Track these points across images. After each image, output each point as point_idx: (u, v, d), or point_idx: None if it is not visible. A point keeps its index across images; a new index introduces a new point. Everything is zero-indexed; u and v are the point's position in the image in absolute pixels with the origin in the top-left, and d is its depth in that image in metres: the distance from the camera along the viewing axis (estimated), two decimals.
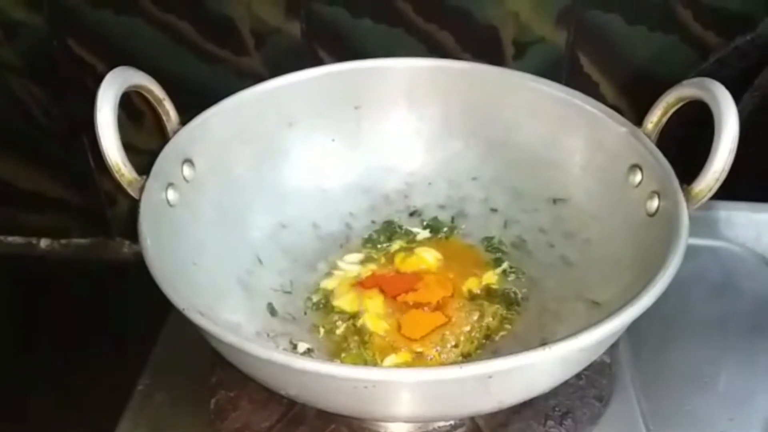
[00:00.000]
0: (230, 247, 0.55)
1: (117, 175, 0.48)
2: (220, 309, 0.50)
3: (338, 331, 0.53)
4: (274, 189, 0.59)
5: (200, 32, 0.66)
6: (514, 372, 0.39)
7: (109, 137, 0.47)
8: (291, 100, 0.58)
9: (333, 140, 0.61)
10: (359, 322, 0.53)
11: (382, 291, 0.54)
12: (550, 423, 0.49)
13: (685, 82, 0.49)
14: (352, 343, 0.52)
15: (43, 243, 0.80)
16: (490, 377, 0.38)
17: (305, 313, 0.55)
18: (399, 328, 0.53)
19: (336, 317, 0.54)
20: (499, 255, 0.58)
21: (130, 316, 0.69)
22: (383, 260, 0.58)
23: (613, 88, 0.67)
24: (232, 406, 0.51)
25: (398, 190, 0.62)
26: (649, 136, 0.51)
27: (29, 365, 0.67)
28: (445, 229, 0.61)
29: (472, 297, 0.55)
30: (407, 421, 0.49)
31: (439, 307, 0.54)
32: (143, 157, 0.51)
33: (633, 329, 0.46)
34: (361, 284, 0.55)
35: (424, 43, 0.65)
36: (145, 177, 0.49)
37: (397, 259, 0.58)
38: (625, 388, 0.53)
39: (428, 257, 0.57)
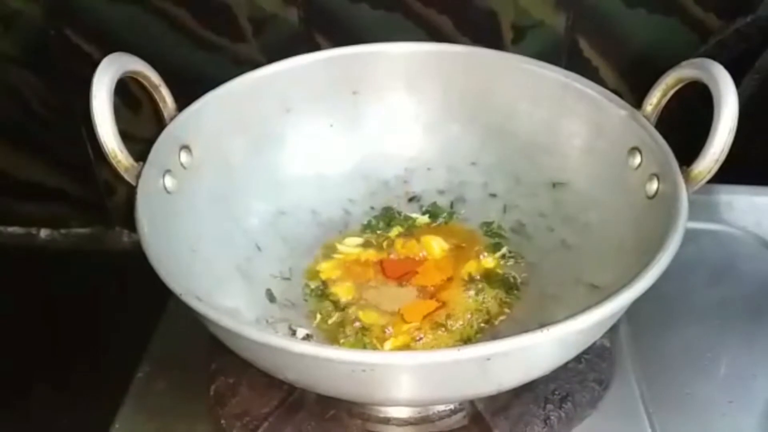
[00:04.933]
0: (228, 234, 0.55)
1: (113, 162, 0.48)
2: (218, 295, 0.49)
3: (336, 317, 0.53)
4: (272, 175, 0.59)
5: (197, 19, 0.66)
6: (513, 354, 0.39)
7: (105, 123, 0.47)
8: (288, 86, 0.58)
9: (331, 126, 0.61)
10: (352, 310, 0.53)
11: (383, 273, 0.55)
12: (549, 407, 0.49)
13: (684, 63, 0.49)
14: (351, 328, 0.52)
15: (43, 233, 0.80)
16: (488, 359, 0.38)
17: (305, 300, 0.55)
18: (398, 313, 0.53)
19: (334, 304, 0.54)
20: (498, 240, 0.58)
21: (129, 306, 0.69)
22: (383, 246, 0.58)
23: (613, 71, 0.66)
24: (231, 393, 0.51)
25: (397, 176, 0.62)
26: (648, 119, 0.51)
27: (29, 355, 0.67)
28: (445, 214, 0.60)
29: (472, 281, 0.55)
30: (407, 405, 0.49)
31: (438, 291, 0.54)
32: (141, 146, 0.50)
33: (633, 313, 0.45)
34: (362, 266, 0.56)
35: (423, 28, 0.65)
36: (141, 164, 0.49)
37: (398, 244, 0.58)
38: (625, 372, 0.53)
39: (434, 246, 0.57)
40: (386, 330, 0.52)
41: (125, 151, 0.48)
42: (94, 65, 0.48)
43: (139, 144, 0.51)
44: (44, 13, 0.66)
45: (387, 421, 0.49)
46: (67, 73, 0.69)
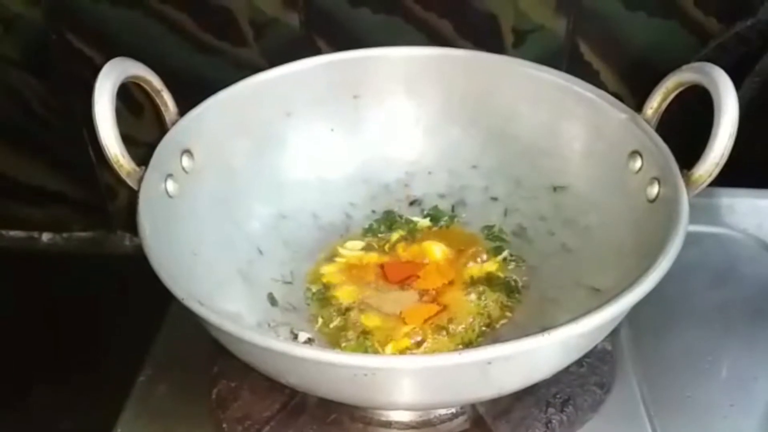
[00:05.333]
0: (230, 238, 0.55)
1: (115, 166, 0.48)
2: (220, 299, 0.50)
3: (338, 321, 0.53)
4: (273, 179, 0.59)
5: (198, 23, 0.66)
6: (514, 358, 0.39)
7: (107, 128, 0.47)
8: (289, 90, 0.58)
9: (332, 130, 0.61)
10: (354, 314, 0.53)
11: (384, 276, 0.55)
12: (551, 410, 0.49)
13: (684, 67, 0.49)
14: (352, 332, 0.52)
15: (45, 237, 0.80)
16: (489, 363, 0.38)
17: (307, 304, 0.55)
18: (400, 317, 0.53)
19: (335, 307, 0.54)
20: (499, 243, 0.58)
21: (131, 309, 0.69)
22: (384, 249, 0.58)
23: (613, 75, 0.67)
24: (233, 396, 0.51)
25: (398, 180, 0.62)
26: (648, 122, 0.51)
27: (31, 358, 0.68)
28: (446, 218, 0.61)
29: (473, 285, 0.55)
30: (408, 409, 0.49)
31: (439, 294, 0.54)
32: (143, 150, 0.51)
33: (634, 316, 0.46)
34: (363, 270, 0.56)
35: (423, 32, 0.65)
36: (144, 168, 0.49)
37: (400, 248, 0.58)
38: (627, 375, 0.53)
39: (435, 250, 0.57)
40: (385, 333, 0.52)
41: (127, 156, 0.48)
42: (95, 69, 0.48)
43: (141, 148, 0.51)
44: (45, 16, 0.66)
45: (389, 424, 0.49)
46: (69, 77, 0.69)
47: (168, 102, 0.53)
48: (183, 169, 0.52)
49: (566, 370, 0.49)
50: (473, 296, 0.54)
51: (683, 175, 0.47)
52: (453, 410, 0.49)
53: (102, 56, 0.68)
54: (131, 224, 0.46)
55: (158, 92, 0.53)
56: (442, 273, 0.55)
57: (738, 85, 0.46)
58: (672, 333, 0.56)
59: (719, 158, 0.45)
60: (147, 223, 0.46)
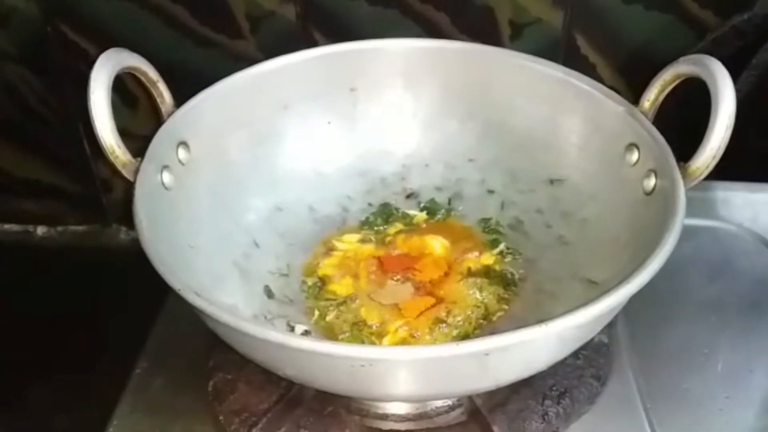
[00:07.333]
0: (226, 230, 0.55)
1: (111, 158, 0.48)
2: (216, 291, 0.49)
3: (334, 314, 0.53)
4: (269, 172, 0.58)
5: (195, 16, 0.66)
6: (511, 349, 0.39)
7: (103, 119, 0.47)
8: (286, 83, 0.58)
9: (329, 123, 0.61)
10: (353, 306, 0.53)
11: (381, 269, 0.55)
12: (547, 402, 0.49)
13: (681, 59, 0.49)
14: (349, 325, 0.52)
15: (40, 230, 0.80)
16: (486, 354, 0.38)
17: (306, 297, 0.55)
18: (396, 309, 0.53)
19: (332, 300, 0.54)
20: (495, 236, 0.58)
21: (127, 303, 0.69)
22: (381, 242, 0.58)
23: (610, 68, 0.67)
24: (229, 389, 0.51)
25: (395, 173, 0.62)
26: (645, 115, 0.51)
27: (27, 353, 0.67)
28: (442, 211, 0.61)
29: (470, 278, 0.55)
30: (405, 400, 0.49)
31: (436, 287, 0.54)
32: (139, 143, 0.50)
33: (631, 309, 0.46)
34: (359, 262, 0.56)
35: (420, 25, 0.65)
36: (139, 159, 0.49)
37: (399, 241, 0.58)
38: (623, 368, 0.53)
39: (435, 245, 0.57)
40: (382, 325, 0.52)
41: (123, 147, 0.48)
42: (91, 62, 0.48)
43: (137, 141, 0.51)
44: (41, 9, 0.66)
45: (385, 417, 0.49)
46: (64, 70, 0.69)
47: (164, 93, 0.53)
48: (179, 160, 0.52)
49: (563, 363, 0.49)
50: (470, 289, 0.54)
51: (680, 168, 0.47)
52: (449, 402, 0.49)
53: (98, 49, 0.66)
54: (126, 218, 0.46)
55: (154, 83, 0.53)
56: (439, 266, 0.55)
57: (734, 79, 0.46)
58: (668, 325, 0.56)
59: (716, 150, 0.45)
60: (143, 215, 0.46)
